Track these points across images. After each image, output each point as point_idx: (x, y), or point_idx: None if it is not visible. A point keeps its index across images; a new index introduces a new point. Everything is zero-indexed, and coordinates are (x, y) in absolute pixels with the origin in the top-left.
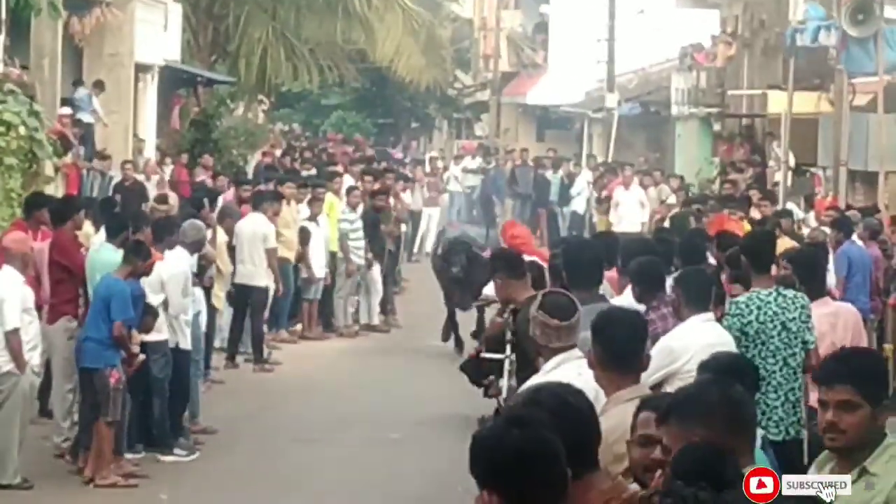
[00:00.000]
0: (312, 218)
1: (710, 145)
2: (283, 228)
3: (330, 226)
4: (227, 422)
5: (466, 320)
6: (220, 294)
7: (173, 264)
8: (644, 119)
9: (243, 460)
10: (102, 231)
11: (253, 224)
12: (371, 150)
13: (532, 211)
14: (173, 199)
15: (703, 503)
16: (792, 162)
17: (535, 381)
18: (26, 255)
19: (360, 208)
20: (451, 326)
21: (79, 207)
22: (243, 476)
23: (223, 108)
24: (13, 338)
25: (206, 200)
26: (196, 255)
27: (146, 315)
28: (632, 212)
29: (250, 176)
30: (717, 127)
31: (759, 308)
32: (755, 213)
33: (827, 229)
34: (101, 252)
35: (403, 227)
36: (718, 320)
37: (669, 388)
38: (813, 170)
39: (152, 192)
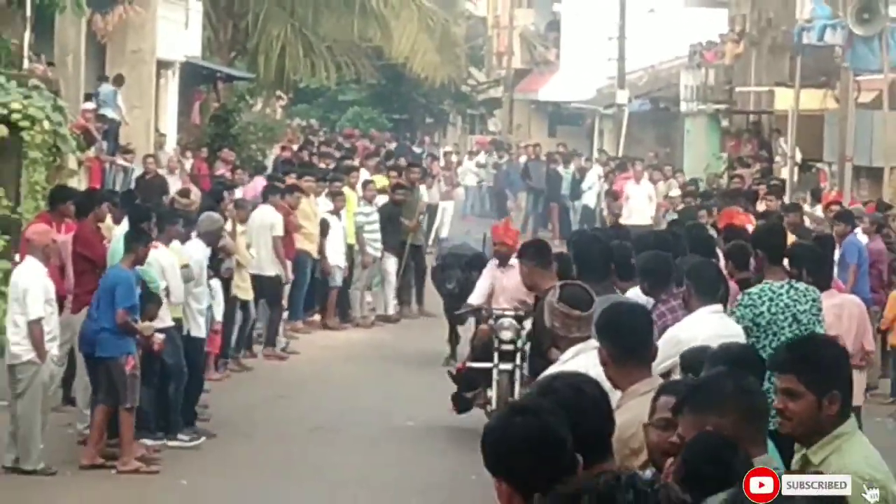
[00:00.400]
0: (335, 212)
1: (718, 141)
2: (303, 220)
3: (347, 219)
4: (245, 410)
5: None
6: (241, 285)
7: (165, 254)
8: (654, 115)
9: (261, 448)
10: (124, 223)
11: (262, 214)
12: (391, 145)
13: (545, 205)
14: (195, 193)
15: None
16: (798, 157)
17: (552, 370)
18: (48, 247)
19: (377, 201)
20: (453, 339)
21: (101, 200)
22: (261, 464)
23: (242, 104)
24: (35, 327)
25: (225, 193)
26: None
27: (149, 303)
28: (641, 205)
29: (270, 170)
30: (724, 123)
31: (770, 300)
32: (761, 207)
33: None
34: (122, 243)
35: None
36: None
37: (676, 377)
38: (819, 165)
39: (173, 185)
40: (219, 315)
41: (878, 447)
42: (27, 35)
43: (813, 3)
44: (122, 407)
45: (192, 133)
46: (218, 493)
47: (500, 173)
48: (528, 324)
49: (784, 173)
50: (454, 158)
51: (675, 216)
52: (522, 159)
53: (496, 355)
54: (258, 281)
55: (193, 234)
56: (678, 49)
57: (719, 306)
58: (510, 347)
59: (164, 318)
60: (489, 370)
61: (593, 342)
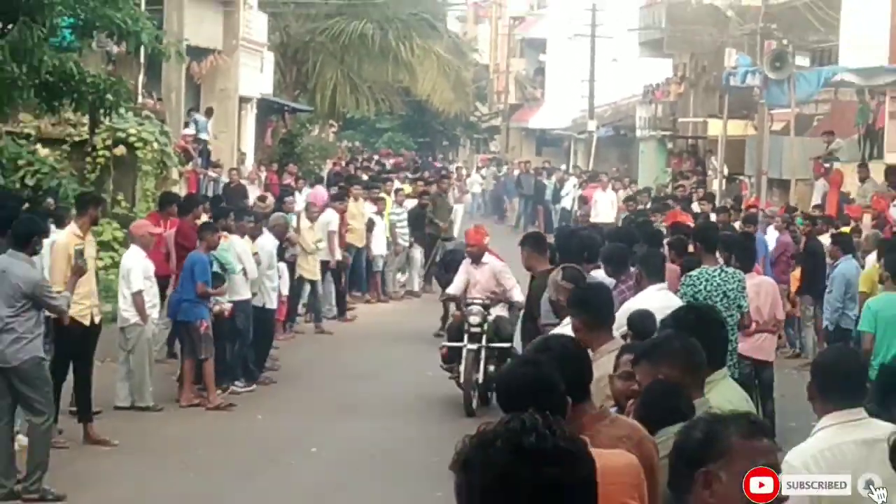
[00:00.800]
0: (379, 212)
1: (665, 159)
2: (351, 220)
3: (384, 218)
4: (305, 362)
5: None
6: (306, 267)
7: (240, 243)
8: (616, 139)
9: (317, 390)
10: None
11: (323, 215)
12: (418, 161)
13: (533, 207)
14: (270, 199)
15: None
16: (726, 171)
17: (555, 331)
18: (145, 237)
19: (405, 204)
20: (445, 318)
21: (197, 203)
22: (317, 402)
23: (304, 130)
24: (138, 298)
25: (290, 197)
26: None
27: (215, 281)
28: (606, 208)
29: (325, 181)
30: (670, 145)
31: (706, 280)
32: (696, 209)
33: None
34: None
35: None
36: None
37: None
38: (741, 178)
39: (252, 192)
40: (285, 290)
41: (789, 393)
42: (141, 77)
43: (737, 54)
44: (199, 358)
45: (265, 152)
46: (286, 425)
47: (499, 183)
48: (494, 311)
49: (715, 184)
50: (464, 172)
51: (630, 216)
52: (516, 172)
53: (465, 336)
54: (323, 265)
55: (265, 228)
56: (635, 89)
57: (664, 284)
58: (478, 330)
59: (242, 293)
60: (460, 348)
61: None
